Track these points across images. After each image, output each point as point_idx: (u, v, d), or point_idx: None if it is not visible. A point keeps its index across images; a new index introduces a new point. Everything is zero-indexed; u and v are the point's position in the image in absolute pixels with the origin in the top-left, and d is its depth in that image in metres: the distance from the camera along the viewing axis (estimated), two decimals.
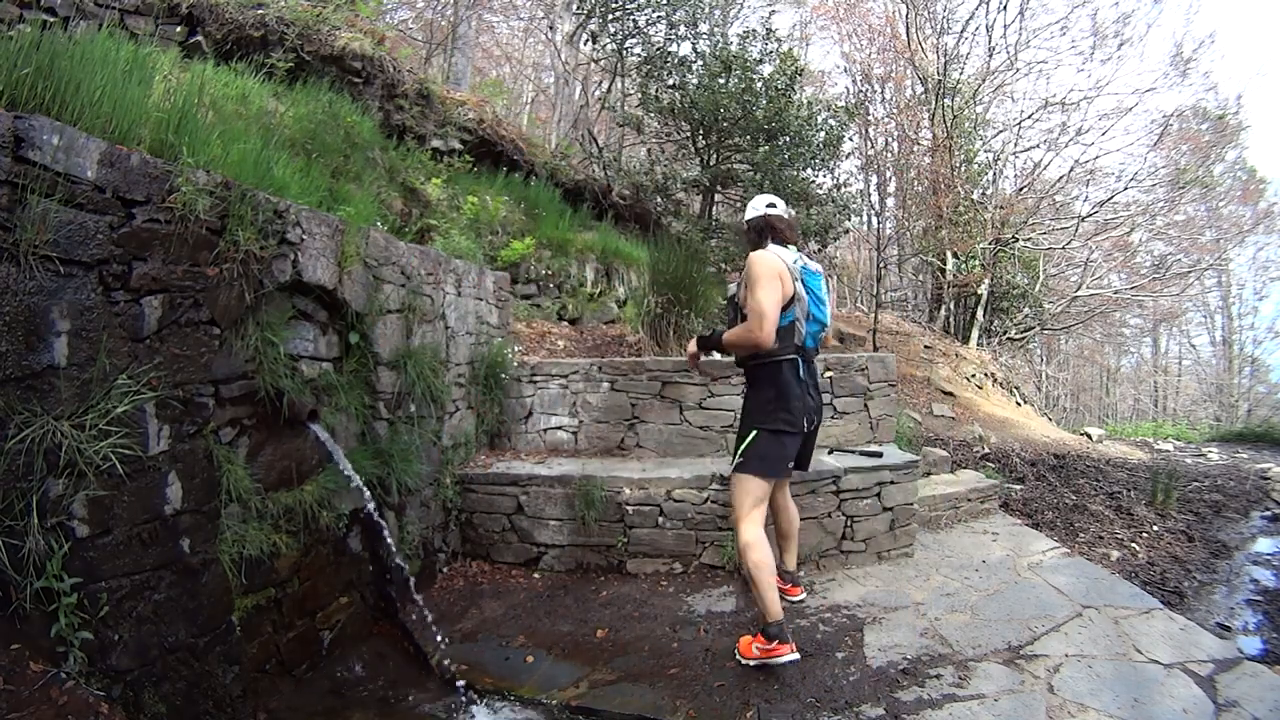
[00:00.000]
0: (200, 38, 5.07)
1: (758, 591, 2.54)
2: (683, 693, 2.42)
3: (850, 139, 12.21)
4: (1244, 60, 40.87)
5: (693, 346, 3.11)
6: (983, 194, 13.22)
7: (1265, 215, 18.78)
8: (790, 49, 7.86)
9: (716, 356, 3.12)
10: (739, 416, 2.93)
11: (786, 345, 2.71)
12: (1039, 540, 4.03)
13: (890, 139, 16.36)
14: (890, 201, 17.42)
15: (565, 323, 6.03)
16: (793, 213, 3.27)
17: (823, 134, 7.91)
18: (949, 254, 12.83)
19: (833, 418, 4.08)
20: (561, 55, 10.23)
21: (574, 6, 9.87)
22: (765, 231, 2.91)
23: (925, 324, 13.01)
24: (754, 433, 2.71)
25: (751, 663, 2.55)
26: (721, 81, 7.24)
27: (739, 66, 7.21)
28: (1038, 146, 13.39)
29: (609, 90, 10.29)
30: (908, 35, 13.33)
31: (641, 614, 3.09)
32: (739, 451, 2.73)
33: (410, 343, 3.22)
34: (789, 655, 2.46)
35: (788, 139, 7.52)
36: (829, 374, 4.07)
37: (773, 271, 2.68)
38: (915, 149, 14.43)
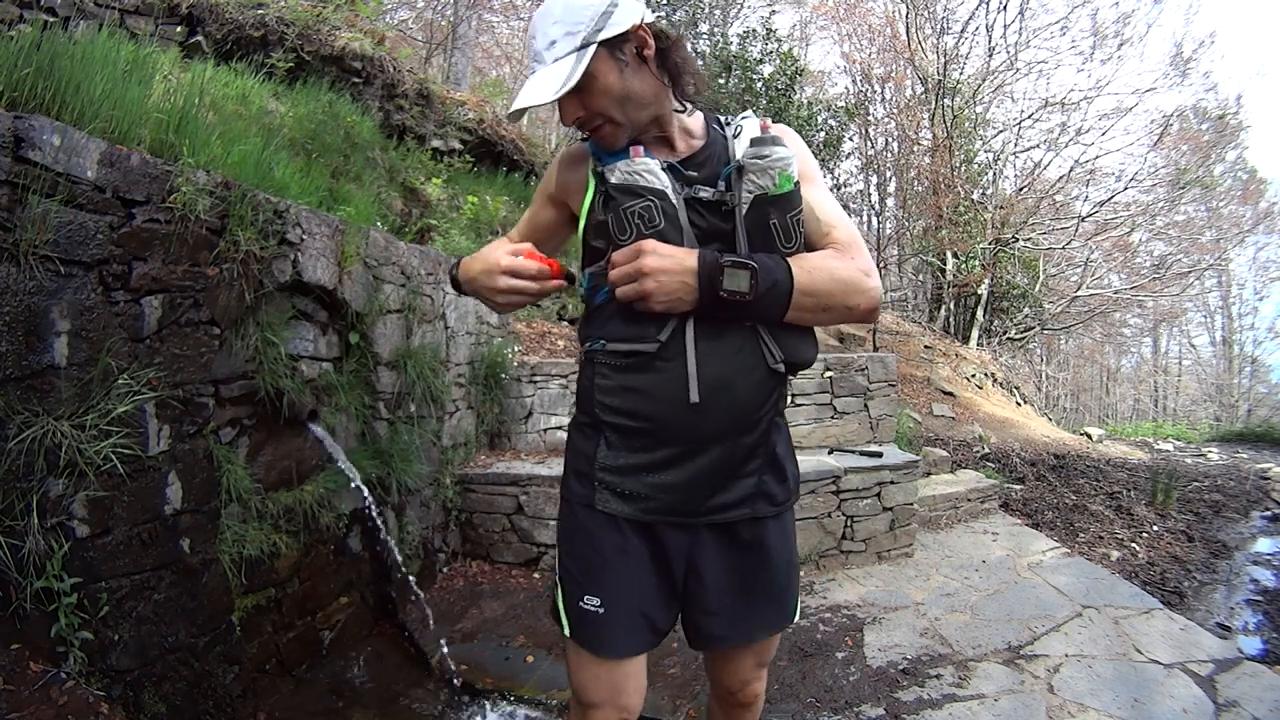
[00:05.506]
0: (200, 38, 5.07)
1: None
2: (683, 693, 2.42)
3: (850, 139, 12.21)
4: (1244, 60, 40.99)
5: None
6: (983, 194, 13.21)
7: (1265, 215, 18.80)
8: (790, 49, 7.87)
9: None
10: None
11: None
12: (1039, 540, 4.03)
13: (890, 139, 16.36)
14: (890, 201, 17.43)
15: (565, 323, 6.02)
16: None
17: (823, 134, 7.92)
18: (949, 254, 12.82)
19: (833, 418, 4.08)
20: None
21: None
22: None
23: (925, 324, 13.00)
24: None
25: None
26: (721, 82, 7.24)
27: (739, 67, 7.21)
28: (1038, 146, 13.41)
29: None
30: (908, 35, 13.32)
31: None
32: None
33: (410, 343, 3.22)
34: None
35: None
36: (829, 374, 4.07)
37: None
38: (915, 149, 14.41)
